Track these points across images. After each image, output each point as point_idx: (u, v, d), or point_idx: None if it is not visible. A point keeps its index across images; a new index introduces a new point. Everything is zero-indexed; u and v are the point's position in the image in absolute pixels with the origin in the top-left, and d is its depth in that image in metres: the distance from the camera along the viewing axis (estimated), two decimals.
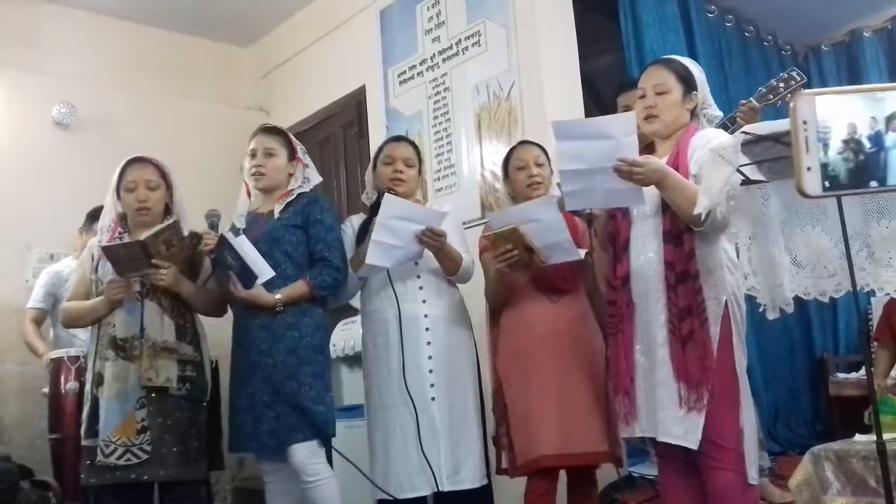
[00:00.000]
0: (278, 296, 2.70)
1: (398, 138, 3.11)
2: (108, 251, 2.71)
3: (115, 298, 2.71)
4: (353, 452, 2.84)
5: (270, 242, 2.75)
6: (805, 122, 1.16)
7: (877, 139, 1.35)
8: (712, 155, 2.03)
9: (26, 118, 4.65)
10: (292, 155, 2.92)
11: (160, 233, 2.66)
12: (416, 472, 2.65)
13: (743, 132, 1.89)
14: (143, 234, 2.68)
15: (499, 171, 3.81)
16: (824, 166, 1.34)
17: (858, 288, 1.76)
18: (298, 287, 2.73)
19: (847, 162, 1.35)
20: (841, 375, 4.08)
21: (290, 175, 2.91)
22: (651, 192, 2.25)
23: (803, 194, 1.31)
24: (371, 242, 2.63)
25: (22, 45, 4.69)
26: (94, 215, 4.03)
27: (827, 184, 1.33)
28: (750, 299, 2.20)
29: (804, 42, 5.57)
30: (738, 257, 2.10)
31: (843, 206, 1.65)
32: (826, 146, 1.32)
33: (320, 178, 3.04)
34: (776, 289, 1.99)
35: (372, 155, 4.57)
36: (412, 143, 3.04)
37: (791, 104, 1.31)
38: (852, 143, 1.34)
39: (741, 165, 1.94)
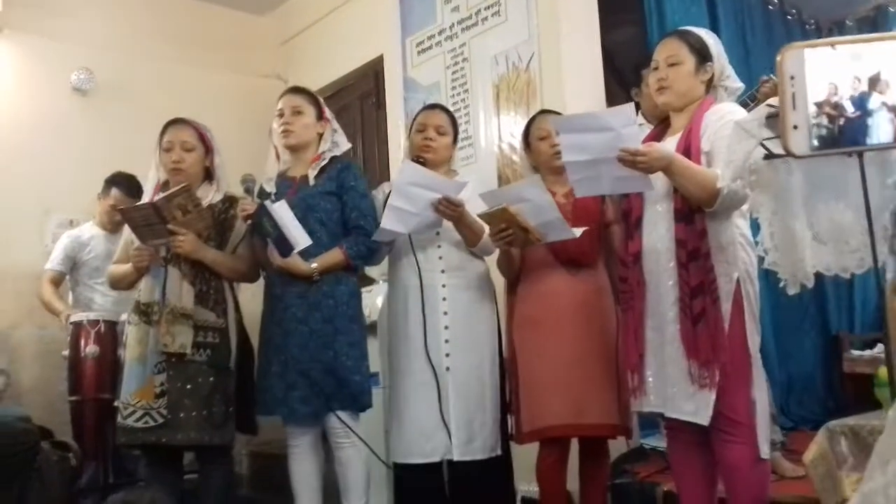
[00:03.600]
0: (314, 264, 2.71)
1: (433, 106, 3.09)
2: (123, 214, 2.75)
3: (139, 265, 2.76)
4: (369, 418, 2.87)
5: (305, 209, 2.74)
6: (793, 78, 1.11)
7: (860, 101, 1.30)
8: (735, 128, 2.02)
9: (45, 84, 4.66)
10: (320, 115, 2.91)
11: (172, 196, 2.66)
12: (427, 438, 2.68)
13: (768, 104, 1.87)
14: (155, 198, 2.71)
15: (517, 144, 3.81)
16: (815, 129, 1.29)
17: (880, 264, 1.75)
18: (334, 255, 2.74)
19: (830, 125, 1.30)
20: (855, 352, 4.07)
21: (319, 135, 2.90)
22: (661, 174, 2.24)
23: (789, 153, 1.27)
24: (387, 207, 2.64)
25: (41, 11, 4.68)
26: (112, 181, 4.07)
27: (815, 142, 1.27)
28: (769, 275, 2.20)
29: (829, 16, 5.48)
30: (758, 233, 2.09)
31: (868, 180, 1.64)
32: (819, 107, 1.27)
33: (349, 144, 3.03)
34: (797, 264, 1.98)
35: (389, 125, 4.63)
36: (447, 111, 3.02)
37: (778, 58, 1.26)
38: (835, 106, 1.29)
39: (765, 139, 1.92)
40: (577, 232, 2.55)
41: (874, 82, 1.27)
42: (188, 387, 2.69)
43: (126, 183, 4.03)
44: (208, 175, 2.92)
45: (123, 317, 3.56)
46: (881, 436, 0.46)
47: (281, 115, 2.87)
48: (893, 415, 0.44)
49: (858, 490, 0.47)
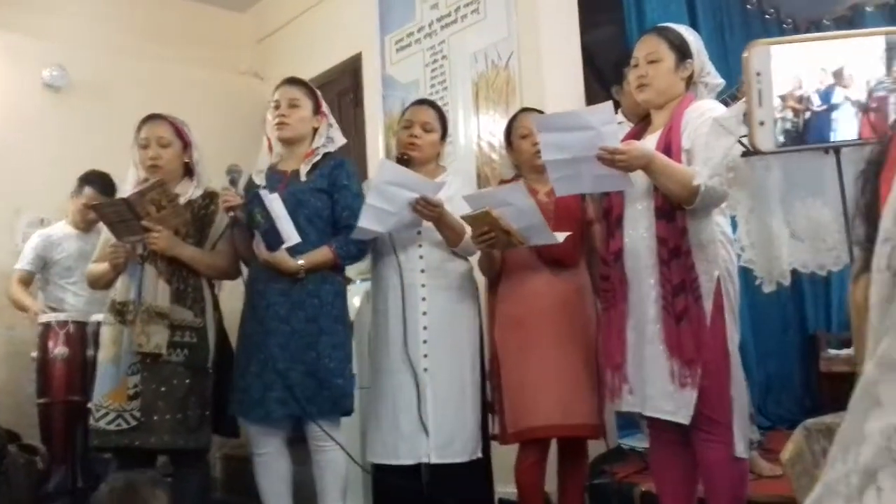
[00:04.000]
0: (301, 261, 2.64)
1: (421, 101, 3.06)
2: (97, 210, 2.69)
3: (115, 263, 2.70)
4: (345, 420, 2.82)
5: (295, 204, 2.67)
6: (759, 74, 1.09)
7: (826, 95, 1.27)
8: (714, 125, 2.00)
9: (16, 80, 4.58)
10: (317, 109, 2.85)
11: (145, 192, 2.61)
12: (403, 440, 2.64)
13: (746, 102, 1.86)
14: (127, 193, 2.65)
15: (496, 142, 3.79)
16: (779, 123, 1.27)
17: None
18: (322, 253, 2.68)
19: (791, 120, 1.27)
20: (832, 351, 4.09)
21: (315, 130, 2.83)
22: (641, 172, 2.23)
23: (756, 150, 1.26)
24: (364, 205, 2.60)
25: (13, 5, 4.61)
26: (85, 179, 4.00)
27: (781, 138, 1.25)
28: (746, 273, 2.18)
29: (806, 16, 5.50)
30: (735, 230, 2.08)
31: (845, 178, 1.63)
32: (782, 99, 1.25)
33: (345, 140, 2.95)
34: (774, 261, 1.97)
35: (367, 123, 4.59)
36: (435, 107, 2.97)
37: (744, 54, 1.24)
38: (797, 99, 1.26)
39: (743, 136, 1.90)
40: (560, 237, 2.53)
41: (838, 76, 1.26)
42: (162, 389, 2.63)
43: (100, 181, 3.97)
44: (188, 171, 2.87)
45: (94, 317, 3.51)
46: (842, 424, 0.45)
47: (277, 107, 2.79)
48: (853, 404, 0.43)
49: (821, 479, 0.46)
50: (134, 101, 4.43)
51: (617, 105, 3.39)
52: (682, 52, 2.34)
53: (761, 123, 1.06)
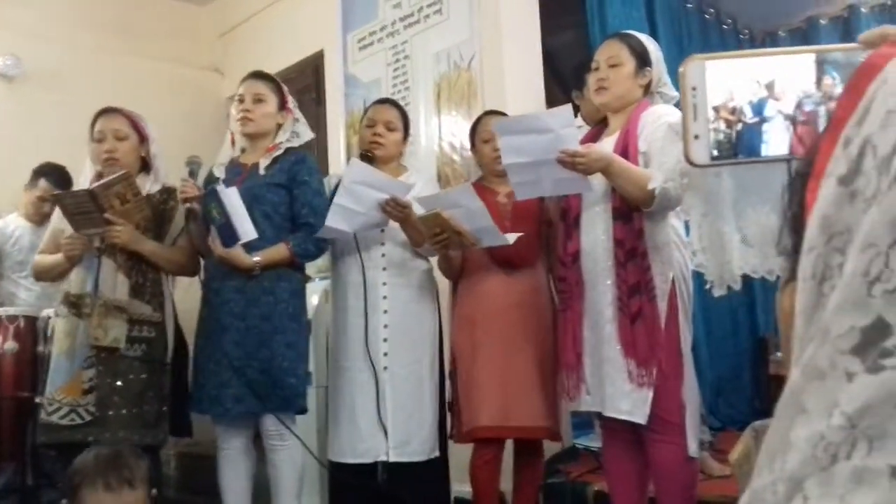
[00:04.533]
0: (257, 258, 2.61)
1: (383, 100, 3.05)
2: (57, 200, 2.64)
3: (70, 255, 2.65)
4: (301, 418, 2.82)
5: (251, 200, 2.63)
6: (694, 89, 1.12)
7: (758, 107, 1.31)
8: (668, 131, 2.05)
9: None
10: (282, 104, 2.82)
11: (111, 184, 2.57)
12: (361, 439, 2.65)
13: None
14: (93, 184, 2.61)
15: (457, 143, 3.81)
16: (713, 135, 1.30)
17: None
18: (279, 251, 2.65)
19: (725, 131, 1.31)
20: (780, 354, 4.17)
21: (279, 126, 2.80)
22: (599, 174, 2.26)
23: (690, 163, 1.29)
24: (332, 204, 2.59)
25: None
26: (40, 172, 3.92)
27: (715, 152, 1.28)
28: (699, 277, 2.23)
29: (762, 27, 5.63)
30: (688, 234, 2.13)
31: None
32: (716, 110, 1.29)
33: (312, 135, 2.93)
34: (724, 266, 2.02)
35: (329, 121, 4.57)
36: (398, 106, 2.97)
37: (680, 69, 1.27)
38: (730, 111, 1.29)
39: None
40: (511, 238, 2.55)
41: (770, 89, 1.30)
42: (119, 383, 2.59)
43: (55, 174, 3.89)
44: (145, 165, 2.82)
45: (45, 312, 3.44)
46: (768, 432, 0.46)
47: (241, 101, 2.76)
48: (779, 411, 0.45)
49: (749, 487, 0.47)
50: (91, 93, 4.35)
51: (577, 109, 3.44)
52: (643, 59, 2.38)
53: (696, 137, 1.08)
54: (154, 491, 1.75)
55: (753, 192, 2.00)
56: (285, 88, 2.89)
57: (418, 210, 2.56)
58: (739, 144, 1.17)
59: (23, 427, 3.42)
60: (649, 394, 2.20)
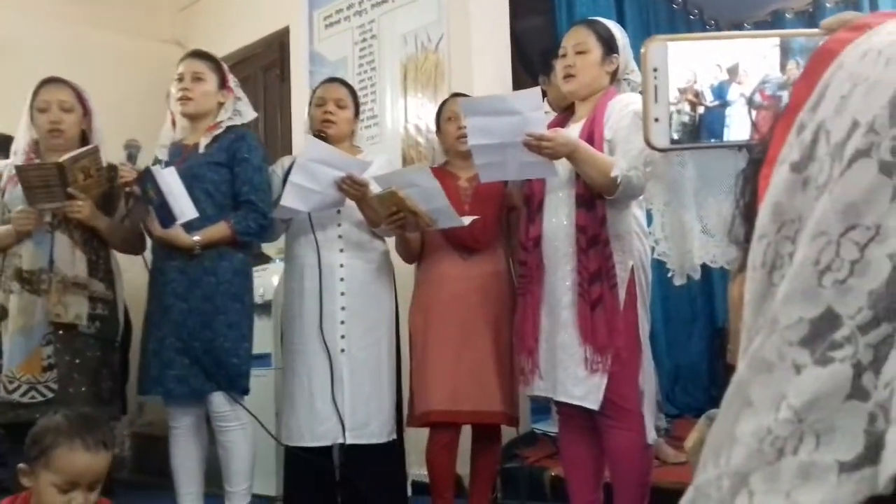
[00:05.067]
0: (197, 237, 2.59)
1: (332, 79, 3.01)
2: (21, 172, 2.56)
3: (23, 230, 2.58)
4: (259, 400, 2.80)
5: (191, 179, 2.61)
6: (655, 70, 1.09)
7: (720, 90, 1.28)
8: (633, 118, 2.04)
9: None
10: (223, 83, 2.78)
11: (79, 157, 2.52)
12: (319, 421, 2.62)
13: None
14: (62, 157, 2.53)
15: (423, 125, 3.78)
16: (675, 117, 1.28)
17: None
18: (219, 229, 2.63)
19: (687, 114, 1.28)
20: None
21: (220, 105, 2.77)
22: (564, 160, 2.26)
23: (650, 146, 1.26)
24: (288, 183, 2.55)
25: None
26: None
27: (676, 136, 1.26)
28: (659, 265, 2.24)
29: (728, 18, 5.67)
30: (651, 223, 2.13)
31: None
32: (680, 92, 1.26)
33: (255, 114, 2.91)
34: (685, 255, 2.02)
35: (293, 99, 4.51)
36: (347, 85, 2.94)
37: (642, 50, 1.25)
38: (692, 94, 1.27)
39: None
40: (466, 221, 2.55)
41: (733, 73, 1.27)
42: (77, 360, 2.58)
43: (4, 144, 3.77)
44: (84, 139, 2.76)
45: None
46: (712, 426, 0.45)
47: (180, 80, 2.72)
48: (724, 405, 0.43)
49: (693, 483, 0.46)
50: (48, 62, 4.21)
51: (544, 95, 3.43)
52: (609, 46, 2.37)
53: (656, 120, 1.06)
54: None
55: (714, 180, 1.99)
56: (226, 67, 2.87)
57: (375, 190, 2.54)
58: (701, 129, 1.14)
59: None
60: (603, 380, 2.21)
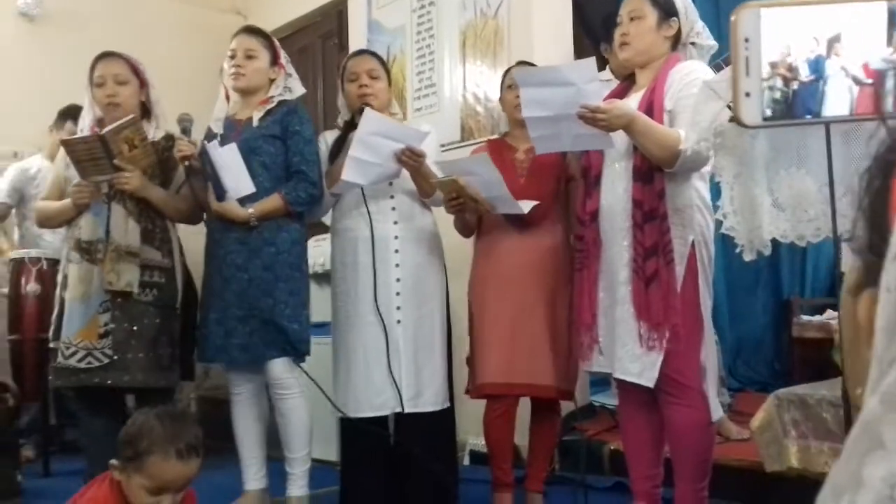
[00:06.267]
0: (251, 210, 2.63)
1: (358, 52, 2.99)
2: (67, 145, 2.63)
3: (80, 203, 2.65)
4: (319, 369, 2.83)
5: (248, 152, 2.66)
6: (747, 40, 1.00)
7: (816, 65, 1.17)
8: (703, 88, 1.97)
9: None
10: (275, 60, 2.81)
11: (121, 128, 2.55)
12: (377, 392, 2.65)
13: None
14: (103, 129, 2.59)
15: (481, 94, 3.74)
16: (767, 87, 1.17)
17: (839, 234, 1.73)
18: (273, 201, 2.66)
19: (780, 89, 1.17)
20: (805, 318, 4.12)
21: (272, 81, 2.80)
22: (622, 131, 2.20)
23: (740, 123, 1.17)
24: (348, 158, 2.55)
25: None
26: (66, 113, 3.90)
27: (769, 112, 1.15)
28: (724, 238, 2.18)
29: None
30: (719, 196, 2.07)
31: (833, 149, 1.61)
32: (772, 66, 1.15)
33: (304, 90, 2.92)
34: (755, 230, 1.96)
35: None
36: (374, 55, 2.93)
37: (732, 18, 1.14)
38: (785, 68, 1.16)
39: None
40: (526, 207, 2.54)
41: (832, 45, 1.16)
42: (134, 327, 2.62)
43: (72, 114, 3.86)
44: (145, 112, 2.80)
45: (48, 251, 3.46)
46: (836, 462, 0.41)
47: (233, 56, 2.75)
48: (850, 443, 0.39)
49: None
50: (110, 33, 4.30)
51: (605, 63, 3.35)
52: (666, 9, 2.29)
53: (747, 94, 0.98)
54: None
55: (787, 153, 1.93)
56: (277, 44, 2.87)
57: (436, 156, 2.54)
58: (795, 105, 1.06)
59: (45, 367, 3.47)
60: (659, 357, 2.16)
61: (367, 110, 2.61)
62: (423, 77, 4.07)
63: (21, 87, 4.35)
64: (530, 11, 3.60)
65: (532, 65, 2.83)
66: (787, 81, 1.02)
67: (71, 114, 3.89)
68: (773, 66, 1.03)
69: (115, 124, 2.57)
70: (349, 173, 2.55)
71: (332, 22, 4.81)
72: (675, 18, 2.30)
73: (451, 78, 3.94)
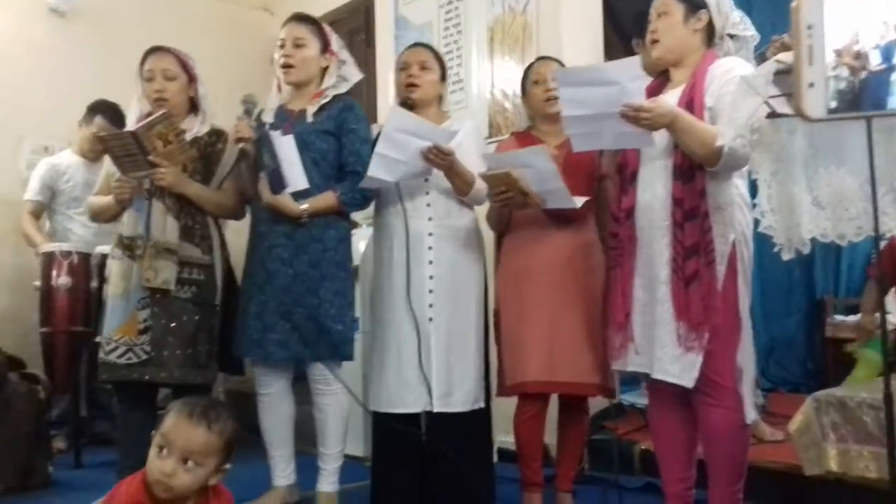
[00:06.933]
0: (304, 206, 2.61)
1: (415, 44, 2.96)
2: (103, 142, 2.64)
3: (120, 198, 2.66)
4: (349, 364, 2.82)
5: (300, 146, 2.63)
6: (810, 27, 0.95)
7: (887, 52, 1.09)
8: (741, 83, 1.93)
9: (20, 2, 4.47)
10: (325, 47, 2.76)
11: (151, 124, 2.55)
12: (409, 389, 2.63)
13: (777, 60, 1.79)
14: (135, 126, 2.60)
15: (509, 90, 3.71)
16: (832, 77, 1.09)
17: (881, 233, 1.69)
18: (327, 199, 2.64)
19: (846, 79, 1.10)
20: (839, 317, 4.06)
21: (324, 70, 2.76)
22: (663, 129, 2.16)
23: (803, 116, 1.10)
24: (374, 155, 2.53)
25: None
26: (96, 108, 3.94)
27: (834, 104, 1.08)
28: (758, 237, 2.14)
29: None
30: (757, 194, 2.03)
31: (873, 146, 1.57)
32: (837, 55, 1.08)
33: (361, 75, 2.88)
34: (793, 229, 1.92)
35: (378, 64, 4.49)
36: (431, 48, 2.88)
37: (793, 4, 1.07)
38: (851, 55, 1.09)
39: (770, 97, 1.84)
40: (579, 202, 2.50)
41: None
42: (172, 324, 2.63)
43: (110, 111, 3.91)
44: (193, 106, 2.81)
45: (98, 249, 3.49)
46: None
47: (282, 46, 2.71)
48: None
49: None
50: (138, 29, 4.34)
51: None
52: (693, 3, 2.25)
53: (811, 85, 0.92)
54: (227, 466, 1.73)
55: (828, 151, 1.89)
56: (328, 30, 2.81)
57: (473, 155, 2.51)
58: (863, 96, 0.99)
59: (76, 360, 3.51)
60: (698, 358, 2.13)
61: (394, 106, 2.59)
62: (451, 73, 4.02)
63: (51, 83, 4.40)
64: (559, 7, 3.57)
65: (556, 60, 2.81)
66: (854, 71, 0.96)
67: (100, 109, 3.93)
68: (839, 53, 0.97)
69: (146, 120, 2.58)
70: (374, 169, 2.53)
71: (360, 18, 4.81)
72: (703, 11, 2.25)
73: (478, 74, 3.92)
